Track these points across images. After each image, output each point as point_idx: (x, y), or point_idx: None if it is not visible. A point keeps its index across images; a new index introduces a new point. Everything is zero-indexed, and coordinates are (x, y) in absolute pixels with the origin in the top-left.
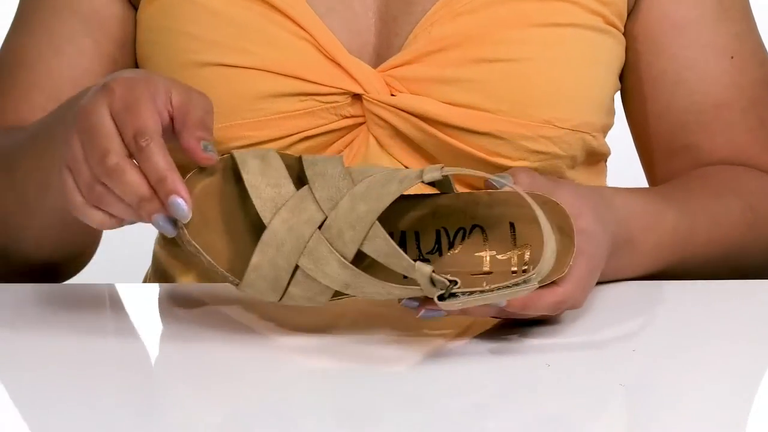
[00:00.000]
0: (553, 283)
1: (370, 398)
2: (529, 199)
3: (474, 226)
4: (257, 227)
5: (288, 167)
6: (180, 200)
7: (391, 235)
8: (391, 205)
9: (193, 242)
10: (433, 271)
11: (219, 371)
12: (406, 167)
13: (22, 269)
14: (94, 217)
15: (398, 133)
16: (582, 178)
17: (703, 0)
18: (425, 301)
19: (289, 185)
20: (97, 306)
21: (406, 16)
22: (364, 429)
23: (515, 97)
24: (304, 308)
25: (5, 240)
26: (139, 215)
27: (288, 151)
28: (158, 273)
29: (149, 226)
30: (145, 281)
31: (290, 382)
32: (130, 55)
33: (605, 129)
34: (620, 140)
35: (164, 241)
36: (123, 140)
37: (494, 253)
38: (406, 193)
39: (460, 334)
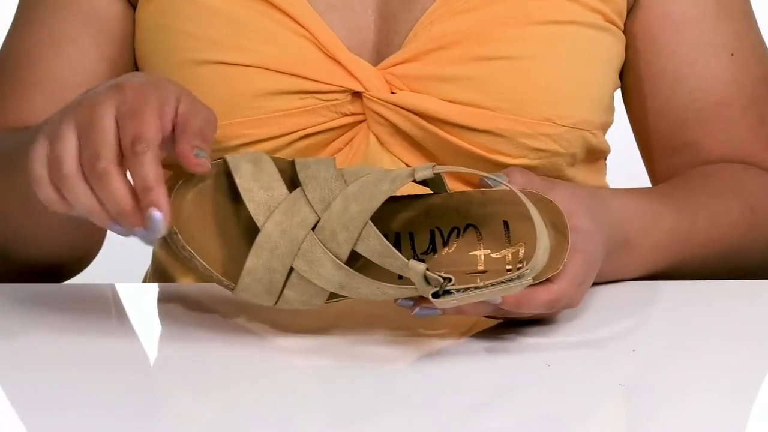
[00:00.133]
0: (548, 280)
1: (367, 398)
2: (522, 196)
3: (468, 225)
4: (251, 231)
5: (281, 171)
6: (158, 215)
7: (386, 236)
8: (384, 206)
9: (188, 247)
10: (427, 269)
11: (218, 371)
12: (407, 165)
13: (22, 270)
14: (49, 195)
15: (398, 131)
16: (582, 175)
17: None
18: (420, 299)
19: (281, 188)
20: (97, 306)
21: (405, 14)
22: (361, 429)
23: (515, 94)
24: (302, 310)
25: (6, 241)
26: (103, 218)
27: (288, 149)
28: (158, 273)
29: None
30: (144, 281)
31: (288, 381)
32: (130, 55)
33: (605, 127)
34: (620, 138)
35: (164, 242)
36: (120, 142)
37: (488, 251)
38: (399, 194)
39: (458, 334)
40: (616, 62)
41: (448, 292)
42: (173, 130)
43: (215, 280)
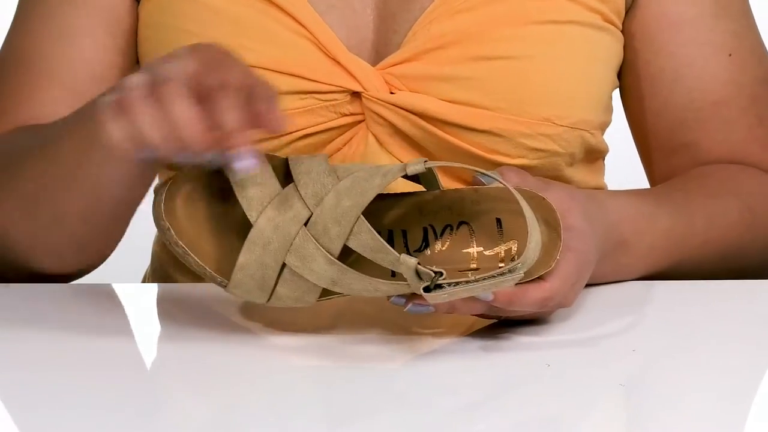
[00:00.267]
0: (540, 278)
1: (364, 397)
2: (513, 190)
3: (461, 223)
4: (244, 227)
5: (274, 168)
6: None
7: (379, 233)
8: (377, 204)
9: (181, 243)
10: (419, 263)
11: (216, 371)
12: None
13: (29, 279)
14: (114, 128)
15: (397, 131)
16: (580, 175)
17: None
18: (412, 296)
19: (274, 184)
20: (97, 306)
21: (404, 14)
22: (358, 428)
23: (514, 94)
24: (300, 308)
25: (15, 252)
26: (173, 145)
27: (287, 149)
28: (157, 273)
29: (148, 226)
30: (144, 281)
31: (286, 381)
32: (135, 48)
33: (603, 126)
34: (618, 137)
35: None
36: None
37: (481, 249)
38: (392, 191)
39: (454, 334)
40: (614, 62)
41: (439, 287)
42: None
43: (208, 277)
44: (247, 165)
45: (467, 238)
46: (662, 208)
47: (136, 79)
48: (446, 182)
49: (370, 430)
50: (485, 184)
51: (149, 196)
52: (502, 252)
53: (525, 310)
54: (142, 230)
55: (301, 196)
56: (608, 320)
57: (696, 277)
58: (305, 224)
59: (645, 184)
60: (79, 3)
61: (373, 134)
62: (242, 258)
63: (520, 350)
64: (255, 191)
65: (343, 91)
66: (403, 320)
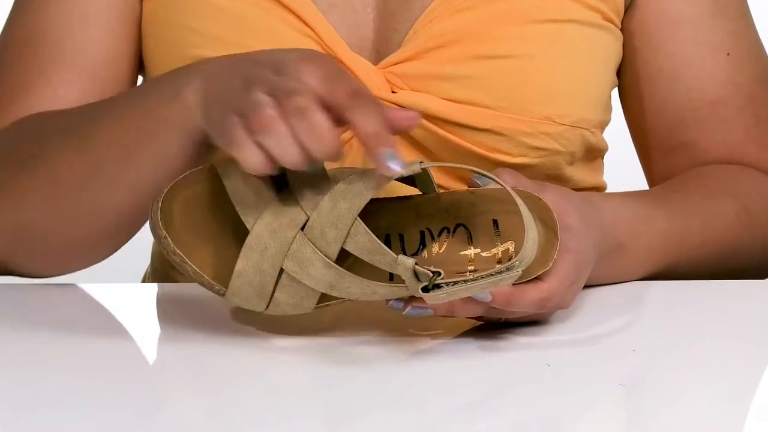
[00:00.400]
0: (538, 278)
1: (363, 398)
2: (510, 190)
3: (458, 225)
4: (241, 234)
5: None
6: (392, 152)
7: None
8: (374, 207)
9: (178, 251)
10: (416, 264)
11: (216, 371)
12: None
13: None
14: (252, 153)
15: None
16: (580, 174)
17: None
18: (411, 299)
19: (270, 189)
20: (97, 306)
21: (404, 12)
22: (357, 429)
23: (515, 93)
24: None
25: (28, 255)
26: (303, 157)
27: None
28: (157, 273)
29: (147, 227)
30: (144, 281)
31: (285, 381)
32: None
33: (603, 125)
34: (617, 137)
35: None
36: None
37: (479, 250)
38: (389, 195)
39: (451, 334)
40: (614, 61)
41: (437, 287)
42: None
43: (206, 285)
44: (400, 163)
45: (464, 241)
46: (659, 209)
47: (256, 97)
48: (447, 182)
49: (370, 430)
50: (481, 186)
51: None
52: (500, 253)
53: (523, 311)
54: (142, 230)
55: (297, 200)
56: (608, 320)
57: (694, 278)
58: (302, 228)
59: (644, 183)
60: None
61: None
62: (240, 264)
63: (519, 350)
64: (251, 197)
65: None
66: (400, 322)
